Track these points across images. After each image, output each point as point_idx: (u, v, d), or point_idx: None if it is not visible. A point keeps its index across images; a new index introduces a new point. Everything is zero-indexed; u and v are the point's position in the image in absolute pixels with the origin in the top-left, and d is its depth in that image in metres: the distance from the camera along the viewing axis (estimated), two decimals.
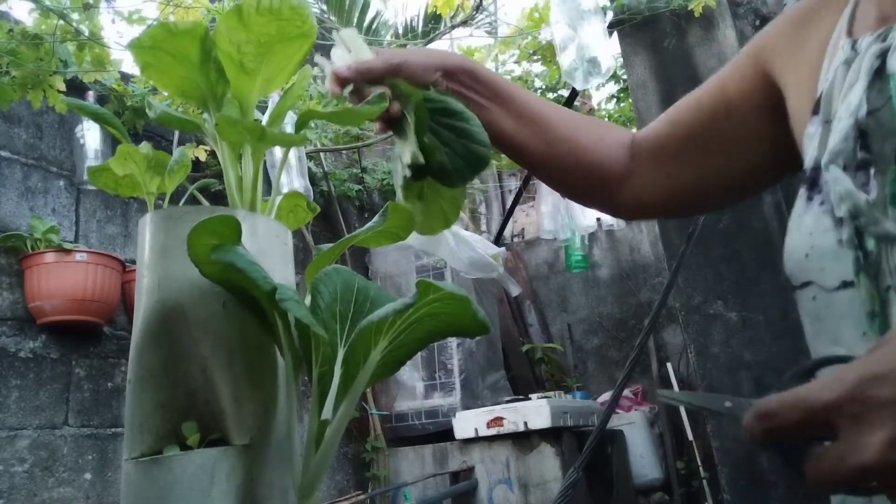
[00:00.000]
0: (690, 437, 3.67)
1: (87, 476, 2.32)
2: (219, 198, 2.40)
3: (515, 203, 4.54)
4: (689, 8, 2.62)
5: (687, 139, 0.72)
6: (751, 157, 0.68)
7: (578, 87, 2.46)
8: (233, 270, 0.58)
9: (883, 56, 0.50)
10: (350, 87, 0.69)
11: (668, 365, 4.00)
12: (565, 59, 2.32)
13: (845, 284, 0.47)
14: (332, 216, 3.62)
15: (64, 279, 2.22)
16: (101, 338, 2.47)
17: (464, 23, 3.27)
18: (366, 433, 3.37)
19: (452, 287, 0.58)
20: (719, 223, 2.49)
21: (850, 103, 0.50)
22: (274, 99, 2.10)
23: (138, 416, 0.62)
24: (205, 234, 0.57)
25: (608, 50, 2.37)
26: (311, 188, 2.81)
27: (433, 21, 4.25)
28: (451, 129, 0.69)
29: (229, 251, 0.58)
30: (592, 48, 2.27)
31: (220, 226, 0.58)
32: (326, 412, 0.61)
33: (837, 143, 0.50)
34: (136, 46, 0.68)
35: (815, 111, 0.55)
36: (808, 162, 0.54)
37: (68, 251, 2.26)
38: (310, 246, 3.27)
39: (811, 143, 0.55)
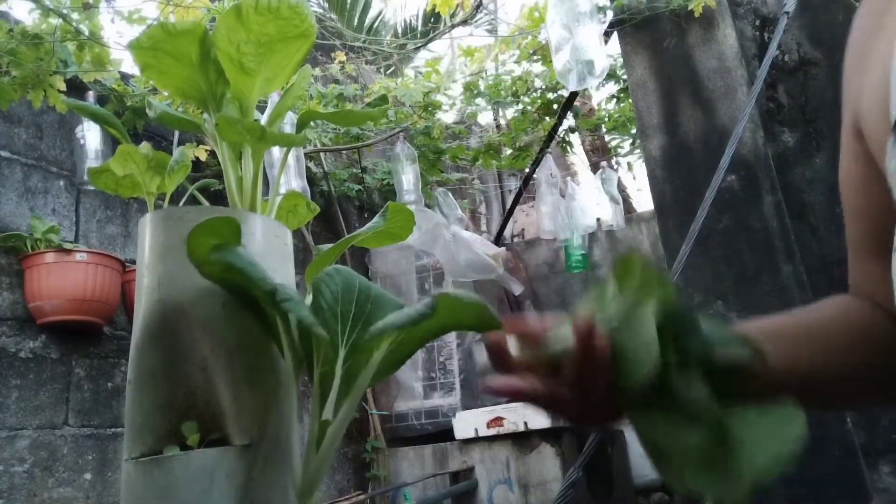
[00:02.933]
0: None
1: (87, 476, 2.32)
2: (219, 198, 2.40)
3: (515, 203, 4.54)
4: (689, 8, 2.62)
5: None
6: None
7: (571, 89, 2.46)
8: (232, 270, 0.58)
9: None
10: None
11: None
12: (559, 61, 2.32)
13: None
14: (332, 216, 3.62)
15: (64, 279, 2.22)
16: (101, 338, 2.47)
17: (463, 22, 3.26)
18: (366, 433, 3.37)
19: (471, 297, 0.58)
20: (719, 223, 2.49)
21: None
22: (274, 99, 2.10)
23: (138, 416, 0.62)
24: (205, 234, 0.57)
25: (604, 52, 2.37)
26: (308, 188, 2.81)
27: (433, 20, 4.25)
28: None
29: (229, 251, 0.58)
30: (588, 50, 2.27)
31: (220, 226, 0.58)
32: (327, 412, 0.61)
33: None
34: (135, 47, 0.68)
35: None
36: None
37: (68, 251, 2.26)
38: (310, 246, 3.27)
39: None
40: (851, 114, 0.59)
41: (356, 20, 5.51)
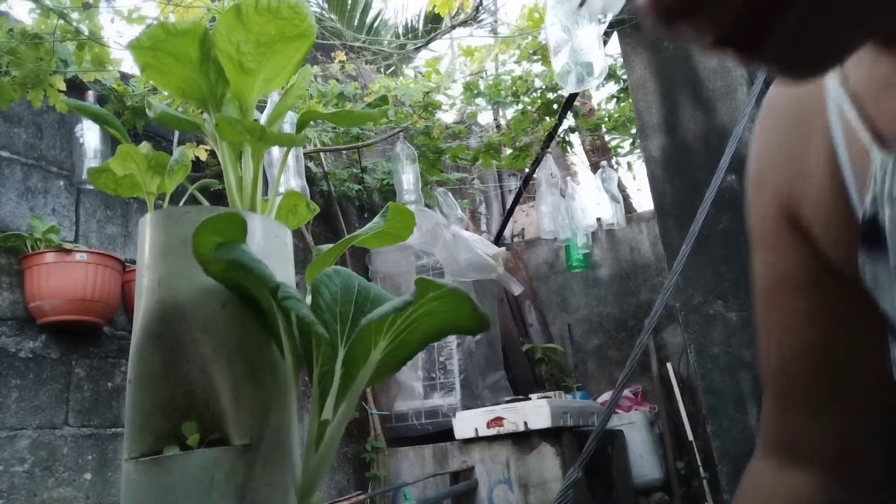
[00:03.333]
0: (690, 437, 3.67)
1: (87, 476, 2.32)
2: (219, 198, 2.40)
3: (515, 203, 4.54)
4: None
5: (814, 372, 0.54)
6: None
7: (570, 91, 2.46)
8: (236, 268, 0.58)
9: None
10: None
11: (668, 365, 4.00)
12: (558, 63, 2.32)
13: None
14: (332, 216, 3.62)
15: (64, 279, 2.22)
16: (101, 338, 2.47)
17: (464, 23, 3.26)
18: (366, 433, 3.37)
19: (451, 284, 0.58)
20: (719, 223, 2.49)
21: None
22: (274, 99, 2.10)
23: (138, 416, 0.62)
24: (210, 232, 0.57)
25: (602, 53, 2.37)
26: (307, 188, 2.81)
27: (433, 21, 4.25)
28: None
29: (234, 248, 0.58)
30: (586, 52, 2.27)
31: (225, 224, 0.58)
32: (327, 412, 0.61)
33: None
34: (135, 46, 0.68)
35: (869, 240, 0.44)
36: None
37: (68, 251, 2.26)
38: (310, 246, 3.27)
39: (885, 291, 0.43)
40: (781, 207, 0.53)
41: (356, 20, 5.51)
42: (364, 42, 4.08)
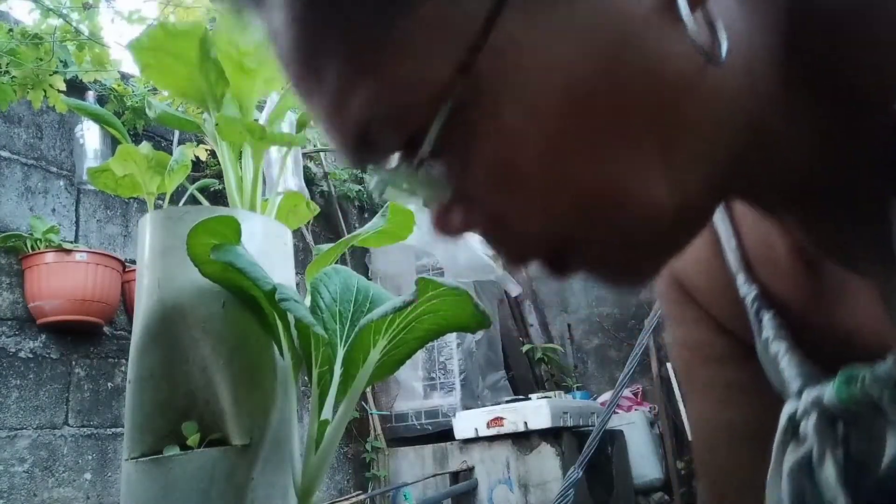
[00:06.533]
0: (690, 437, 3.66)
1: (87, 476, 2.32)
2: (219, 198, 2.40)
3: None
4: None
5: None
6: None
7: None
8: (232, 270, 0.58)
9: (794, 426, 0.38)
10: None
11: (668, 365, 4.00)
12: None
13: None
14: (332, 216, 3.62)
15: (64, 279, 2.22)
16: (101, 338, 2.47)
17: None
18: (366, 433, 3.37)
19: (451, 283, 0.58)
20: None
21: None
22: (274, 99, 2.10)
23: (138, 416, 0.62)
24: (204, 234, 0.57)
25: None
26: (305, 188, 2.80)
27: None
28: None
29: (229, 251, 0.58)
30: None
31: (219, 226, 0.58)
32: (326, 412, 0.61)
33: None
34: (136, 47, 0.68)
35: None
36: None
37: (68, 251, 2.26)
38: (310, 246, 3.27)
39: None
40: (675, 278, 0.54)
41: None
42: None
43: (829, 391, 0.35)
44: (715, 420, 0.54)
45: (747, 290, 0.44)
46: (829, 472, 0.35)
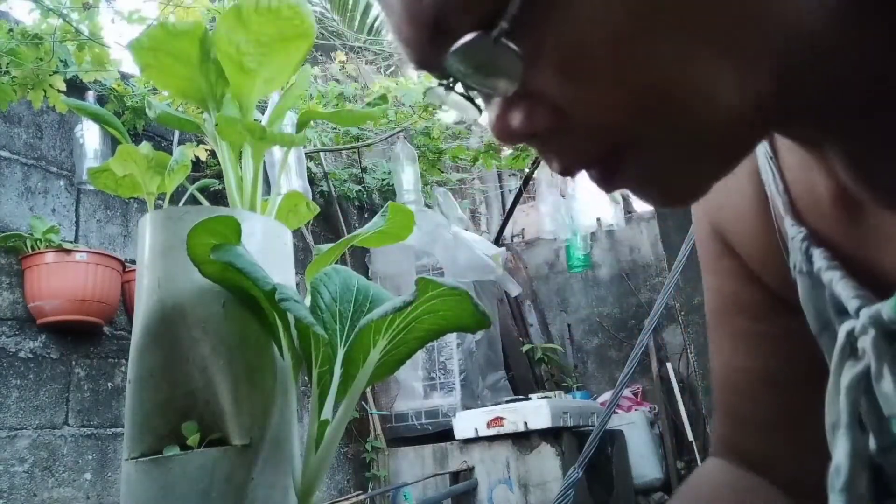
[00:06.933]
0: (690, 437, 3.67)
1: (87, 476, 2.32)
2: (219, 198, 2.40)
3: (515, 203, 4.54)
4: None
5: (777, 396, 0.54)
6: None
7: None
8: (232, 270, 0.58)
9: (852, 344, 0.37)
10: None
11: (668, 365, 4.00)
12: None
13: None
14: (332, 216, 3.62)
15: (64, 279, 2.22)
16: (101, 338, 2.47)
17: None
18: (366, 433, 3.37)
19: (451, 283, 0.58)
20: None
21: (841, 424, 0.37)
22: (274, 99, 2.10)
23: (138, 416, 0.62)
24: (204, 234, 0.57)
25: None
26: (309, 188, 2.81)
27: None
28: None
29: (229, 251, 0.58)
30: None
31: (219, 226, 0.58)
32: (326, 412, 0.61)
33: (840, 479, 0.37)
34: (136, 47, 0.68)
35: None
36: None
37: (68, 251, 2.26)
38: (310, 246, 3.27)
39: None
40: (715, 231, 0.54)
41: (357, 21, 5.52)
42: (365, 42, 4.08)
43: (886, 307, 0.35)
44: (741, 367, 0.56)
45: (796, 231, 0.44)
46: (887, 387, 0.35)
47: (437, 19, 0.32)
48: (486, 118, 0.36)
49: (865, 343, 0.36)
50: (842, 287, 0.40)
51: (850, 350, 0.38)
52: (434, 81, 0.37)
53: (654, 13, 0.29)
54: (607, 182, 0.36)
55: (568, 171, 0.36)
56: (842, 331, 0.38)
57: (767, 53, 0.31)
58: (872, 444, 0.37)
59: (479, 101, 0.38)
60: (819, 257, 0.42)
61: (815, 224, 0.44)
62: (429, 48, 0.34)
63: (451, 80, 0.35)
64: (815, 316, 0.44)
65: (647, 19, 0.30)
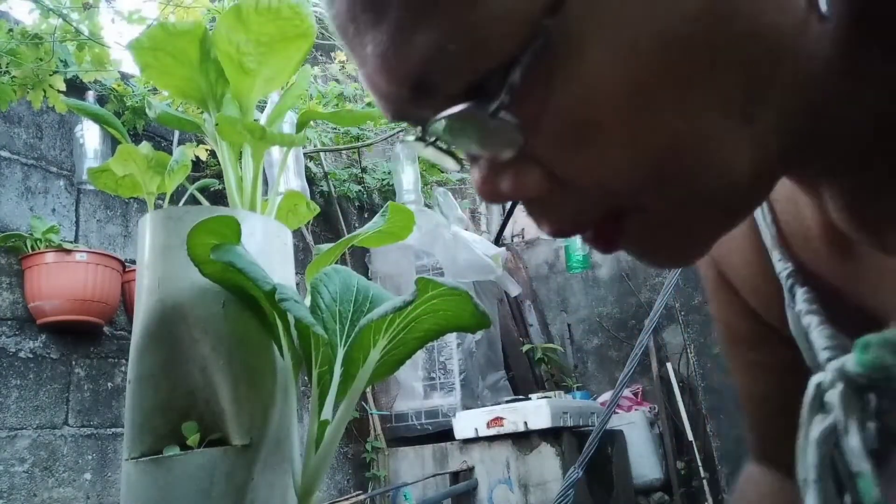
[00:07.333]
0: (690, 437, 3.67)
1: (87, 476, 2.32)
2: (219, 198, 2.40)
3: (515, 203, 4.52)
4: None
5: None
6: None
7: None
8: (232, 270, 0.58)
9: (821, 396, 0.37)
10: None
11: (668, 365, 4.00)
12: None
13: None
14: (332, 216, 3.62)
15: (64, 279, 2.22)
16: (101, 338, 2.47)
17: None
18: (366, 433, 3.37)
19: (451, 283, 0.58)
20: None
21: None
22: (274, 99, 2.10)
23: (138, 416, 0.62)
24: (204, 233, 0.57)
25: None
26: (307, 188, 2.80)
27: None
28: None
29: (229, 251, 0.58)
30: None
31: (219, 226, 0.58)
32: (326, 412, 0.61)
33: None
34: (136, 47, 0.68)
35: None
36: None
37: (68, 251, 2.26)
38: (310, 246, 3.27)
39: None
40: (713, 261, 0.55)
41: None
42: None
43: (850, 361, 0.35)
44: (747, 389, 0.58)
45: (782, 267, 0.44)
46: (853, 443, 0.34)
47: (423, 79, 0.29)
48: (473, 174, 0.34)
49: (833, 397, 0.36)
50: (817, 335, 0.40)
51: (820, 404, 0.37)
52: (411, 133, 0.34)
53: (661, 77, 0.28)
54: (608, 246, 0.35)
55: (560, 234, 0.35)
56: (811, 384, 0.38)
57: (774, 113, 0.31)
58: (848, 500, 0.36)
59: (461, 155, 0.36)
60: (801, 299, 0.42)
61: (804, 257, 0.44)
62: (409, 106, 0.31)
63: (433, 137, 0.33)
64: (806, 351, 0.44)
65: (655, 84, 0.28)
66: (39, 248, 2.23)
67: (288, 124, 2.23)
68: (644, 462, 3.70)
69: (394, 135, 3.45)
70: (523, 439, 2.93)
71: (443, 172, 4.05)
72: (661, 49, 0.27)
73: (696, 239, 0.35)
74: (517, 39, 0.27)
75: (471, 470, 3.02)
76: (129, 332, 0.66)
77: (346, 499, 2.64)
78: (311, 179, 3.38)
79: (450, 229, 3.34)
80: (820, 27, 0.29)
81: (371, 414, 3.37)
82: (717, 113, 0.29)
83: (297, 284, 0.75)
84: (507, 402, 3.10)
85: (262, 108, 2.42)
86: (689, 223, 0.33)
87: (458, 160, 0.36)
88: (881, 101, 0.33)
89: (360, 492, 3.08)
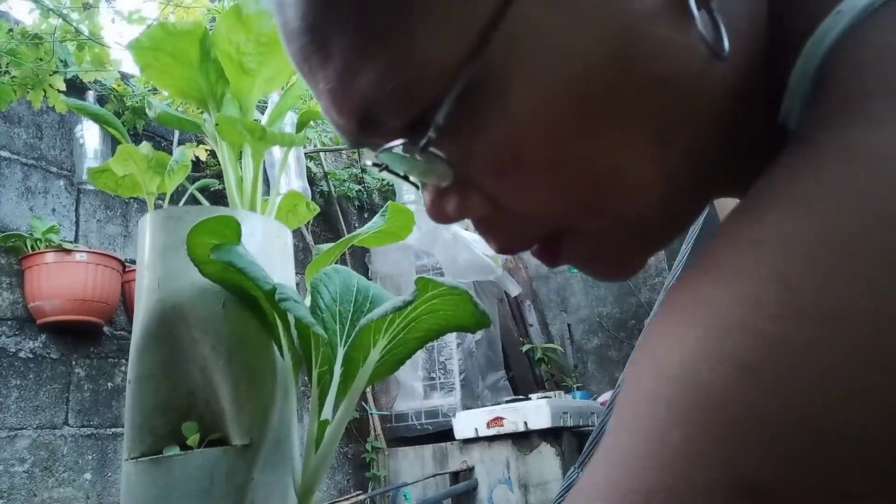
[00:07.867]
0: None
1: (87, 476, 2.32)
2: (219, 198, 2.40)
3: None
4: None
5: None
6: None
7: None
8: (232, 270, 0.58)
9: None
10: None
11: None
12: None
13: None
14: (332, 216, 3.62)
15: (64, 279, 2.22)
16: (101, 338, 2.47)
17: None
18: (366, 433, 3.37)
19: (451, 283, 0.58)
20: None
21: None
22: (274, 99, 2.10)
23: (138, 416, 0.62)
24: (204, 233, 0.57)
25: None
26: (308, 188, 2.80)
27: None
28: None
29: (229, 251, 0.58)
30: None
31: (219, 226, 0.58)
32: (326, 412, 0.61)
33: None
34: (136, 47, 0.68)
35: None
36: None
37: (68, 251, 2.26)
38: (310, 246, 3.27)
39: None
40: None
41: None
42: None
43: None
44: None
45: None
46: None
47: (368, 115, 0.32)
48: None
49: None
50: None
51: None
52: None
53: (575, 120, 0.30)
54: (551, 261, 0.37)
55: (506, 251, 0.37)
56: None
57: (683, 147, 0.33)
58: None
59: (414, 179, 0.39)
60: None
61: None
62: (361, 136, 0.34)
63: (385, 164, 0.36)
64: None
65: (571, 125, 0.31)
66: (39, 248, 2.23)
67: (288, 124, 2.23)
68: None
69: None
70: (523, 439, 2.93)
71: None
72: (573, 95, 0.30)
73: (628, 257, 0.37)
74: (443, 82, 0.30)
75: (471, 470, 3.02)
76: (129, 332, 0.66)
77: (346, 499, 2.64)
78: (311, 179, 3.38)
79: (450, 229, 3.34)
80: (723, 67, 0.32)
81: (371, 414, 3.37)
82: (630, 149, 0.32)
83: (297, 284, 0.75)
84: (507, 402, 3.10)
85: (262, 109, 2.42)
86: (617, 243, 0.36)
87: (413, 184, 0.39)
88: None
89: (360, 492, 3.08)
